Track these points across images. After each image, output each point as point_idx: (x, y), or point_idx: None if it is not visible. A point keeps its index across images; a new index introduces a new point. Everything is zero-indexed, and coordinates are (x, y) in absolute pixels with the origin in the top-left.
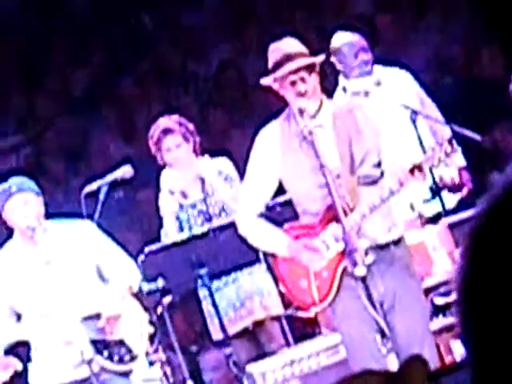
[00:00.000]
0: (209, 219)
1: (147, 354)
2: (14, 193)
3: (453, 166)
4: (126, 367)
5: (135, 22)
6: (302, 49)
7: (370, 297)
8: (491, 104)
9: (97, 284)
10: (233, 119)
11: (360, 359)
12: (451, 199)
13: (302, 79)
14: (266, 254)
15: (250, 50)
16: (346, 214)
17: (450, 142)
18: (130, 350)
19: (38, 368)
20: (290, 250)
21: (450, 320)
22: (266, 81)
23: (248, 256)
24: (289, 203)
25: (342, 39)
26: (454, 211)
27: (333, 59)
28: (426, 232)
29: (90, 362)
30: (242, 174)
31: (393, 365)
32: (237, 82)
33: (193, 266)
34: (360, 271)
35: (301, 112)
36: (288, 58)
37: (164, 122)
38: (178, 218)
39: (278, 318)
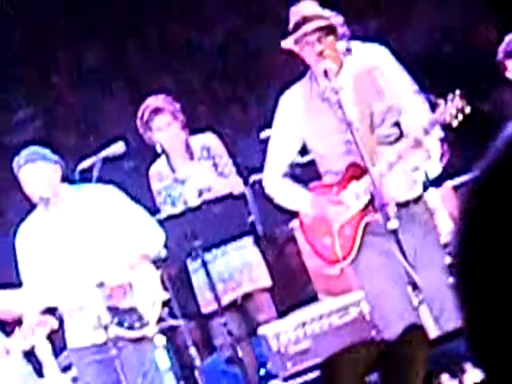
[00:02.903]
0: (199, 194)
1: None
2: (22, 165)
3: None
4: (137, 334)
5: None
6: (320, 11)
7: (401, 249)
8: (486, 70)
9: (114, 248)
10: (236, 89)
11: (385, 313)
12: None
13: (319, 40)
14: (253, 228)
15: (254, 21)
16: (366, 172)
17: (461, 96)
18: (140, 317)
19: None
20: (315, 206)
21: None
22: (286, 43)
23: (240, 228)
24: (312, 163)
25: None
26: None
27: None
28: (427, 194)
29: (106, 328)
30: (238, 144)
31: (425, 316)
32: (241, 52)
33: (187, 238)
34: (393, 224)
35: (325, 73)
36: (305, 19)
37: (153, 101)
38: (170, 196)
39: (266, 290)
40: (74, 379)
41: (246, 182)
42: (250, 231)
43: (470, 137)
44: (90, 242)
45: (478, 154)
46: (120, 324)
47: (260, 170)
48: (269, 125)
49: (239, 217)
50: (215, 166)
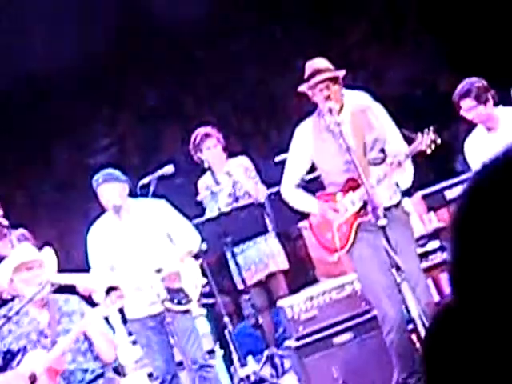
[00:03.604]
0: (236, 200)
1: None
2: (100, 183)
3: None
4: (183, 308)
5: (192, 55)
6: (329, 65)
7: (387, 240)
8: (447, 110)
9: (166, 246)
10: (260, 124)
11: (374, 290)
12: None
13: (327, 87)
14: (276, 226)
15: (275, 73)
16: (360, 185)
17: (434, 131)
18: (186, 296)
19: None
20: (320, 210)
21: (424, 264)
22: (301, 88)
23: (259, 227)
24: (317, 178)
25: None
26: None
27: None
28: (404, 201)
29: (163, 302)
30: (259, 166)
31: (405, 290)
32: (265, 96)
33: (220, 236)
34: (382, 222)
35: (330, 110)
36: (317, 71)
37: (203, 129)
38: (214, 199)
39: (283, 272)
40: (134, 342)
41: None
42: (267, 230)
43: (434, 159)
44: (149, 240)
45: (439, 171)
46: (171, 300)
47: (275, 185)
48: (282, 151)
49: (259, 219)
50: (249, 176)
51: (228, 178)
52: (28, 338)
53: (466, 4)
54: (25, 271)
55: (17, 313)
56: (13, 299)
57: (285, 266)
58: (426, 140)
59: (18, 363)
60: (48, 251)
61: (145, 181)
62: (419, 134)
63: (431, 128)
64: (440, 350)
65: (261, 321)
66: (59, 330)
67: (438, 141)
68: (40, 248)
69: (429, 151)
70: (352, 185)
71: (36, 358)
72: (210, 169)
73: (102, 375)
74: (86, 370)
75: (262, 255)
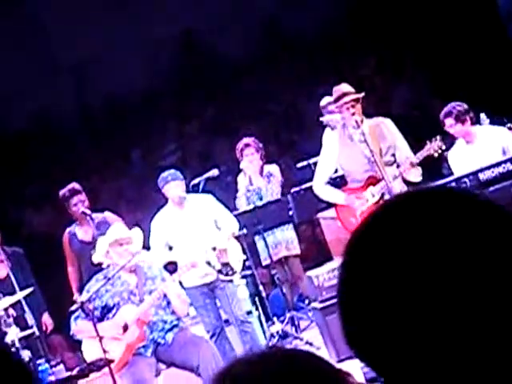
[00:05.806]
0: (261, 199)
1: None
2: (169, 180)
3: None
4: (229, 278)
5: (240, 84)
6: (351, 89)
7: None
8: (437, 127)
9: (215, 229)
10: (292, 136)
11: None
12: None
13: (353, 106)
14: (293, 219)
15: (302, 98)
16: (380, 180)
17: (440, 139)
18: (232, 268)
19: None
20: (347, 200)
21: None
22: (331, 107)
23: (284, 218)
24: (341, 177)
25: (326, 99)
26: None
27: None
28: None
29: (218, 272)
30: (288, 169)
31: None
32: (295, 115)
33: (254, 224)
34: None
35: (356, 123)
36: (344, 94)
37: (246, 140)
38: (247, 197)
39: (296, 256)
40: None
41: (289, 192)
42: (290, 220)
43: (426, 164)
44: (203, 225)
45: (430, 174)
46: (220, 272)
47: (297, 185)
48: (303, 159)
49: (284, 212)
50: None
51: (260, 180)
52: (121, 296)
53: (452, 46)
54: (118, 246)
55: (112, 277)
56: (107, 267)
57: (297, 251)
58: (434, 146)
59: (114, 315)
60: (136, 230)
61: (195, 181)
62: (428, 142)
63: (438, 137)
64: None
65: (284, 290)
66: (145, 290)
67: (443, 147)
68: (130, 228)
69: (436, 155)
70: (372, 181)
71: (128, 311)
72: (246, 172)
73: (176, 325)
74: (165, 321)
75: (277, 242)
